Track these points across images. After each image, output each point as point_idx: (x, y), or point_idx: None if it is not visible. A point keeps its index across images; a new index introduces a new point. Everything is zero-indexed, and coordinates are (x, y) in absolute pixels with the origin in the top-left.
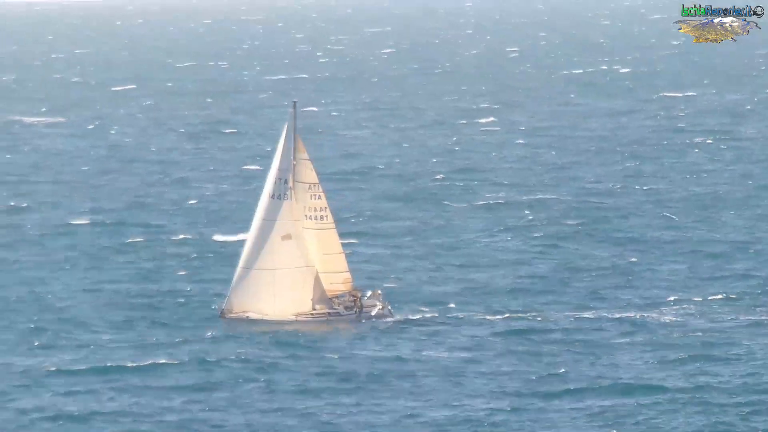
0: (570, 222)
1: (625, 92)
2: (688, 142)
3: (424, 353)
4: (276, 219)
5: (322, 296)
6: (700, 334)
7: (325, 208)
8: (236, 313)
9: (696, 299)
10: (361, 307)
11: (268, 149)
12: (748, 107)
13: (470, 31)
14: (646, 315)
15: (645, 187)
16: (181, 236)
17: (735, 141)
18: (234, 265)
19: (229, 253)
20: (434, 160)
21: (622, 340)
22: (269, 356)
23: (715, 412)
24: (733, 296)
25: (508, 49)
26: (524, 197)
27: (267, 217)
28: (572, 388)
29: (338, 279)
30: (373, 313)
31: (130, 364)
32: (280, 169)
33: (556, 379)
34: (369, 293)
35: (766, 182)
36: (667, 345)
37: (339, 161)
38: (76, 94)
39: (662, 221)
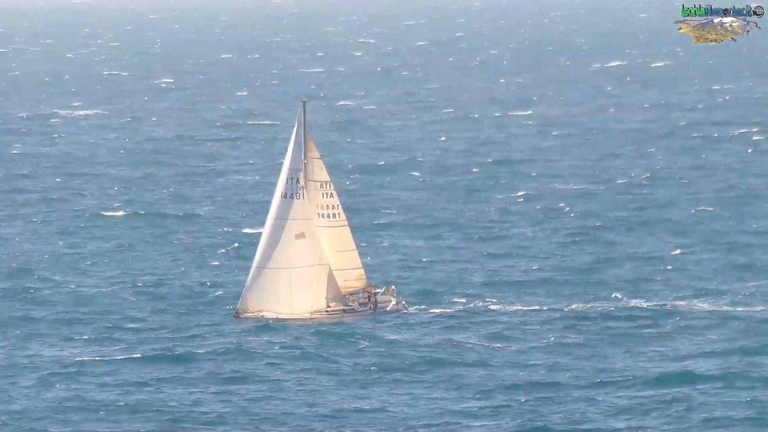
0: (605, 214)
1: (660, 85)
2: (724, 134)
3: (457, 344)
4: (288, 218)
5: (336, 294)
6: (736, 324)
7: (338, 205)
8: (251, 312)
9: (732, 291)
10: (376, 303)
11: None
12: None
13: (503, 23)
14: (681, 306)
15: (681, 180)
16: (216, 229)
17: None
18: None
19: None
20: (470, 153)
21: (657, 331)
22: (296, 349)
23: (752, 403)
24: None
25: (546, 43)
26: (559, 189)
27: (280, 216)
28: (606, 379)
29: (352, 276)
30: (388, 308)
31: (166, 353)
32: (291, 169)
33: (591, 370)
34: (383, 289)
35: None
36: (703, 336)
37: (374, 153)
38: (111, 86)
39: (698, 213)
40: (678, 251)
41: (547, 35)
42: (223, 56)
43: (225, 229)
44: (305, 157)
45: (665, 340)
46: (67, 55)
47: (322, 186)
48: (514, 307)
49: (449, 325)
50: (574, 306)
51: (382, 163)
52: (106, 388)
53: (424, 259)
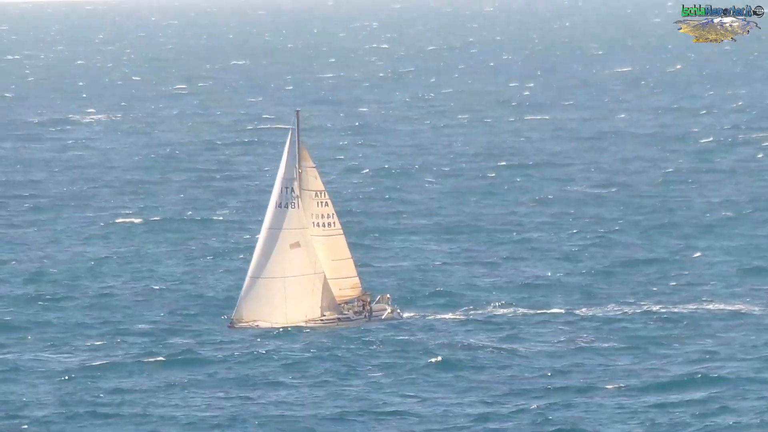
0: (618, 218)
1: (673, 89)
2: (737, 138)
3: (468, 347)
4: (283, 227)
5: (331, 302)
6: (752, 328)
7: (333, 214)
8: (246, 322)
9: (745, 294)
10: (371, 311)
11: (314, 149)
12: None
13: (512, 28)
14: (695, 310)
15: (694, 183)
16: (230, 234)
17: None
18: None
19: None
20: (483, 157)
21: (670, 334)
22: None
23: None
24: None
25: (558, 47)
26: (572, 192)
27: (274, 226)
28: (618, 383)
29: (347, 284)
30: (383, 317)
31: (178, 358)
32: (285, 178)
33: (603, 374)
34: (378, 298)
35: None
36: (718, 339)
37: (387, 158)
38: (124, 92)
39: (711, 217)
40: (691, 255)
41: (559, 40)
42: (235, 62)
43: (238, 234)
44: (299, 166)
45: (678, 343)
46: (78, 62)
47: (316, 195)
48: (527, 311)
49: (461, 328)
50: (585, 310)
51: (395, 167)
52: (117, 393)
53: (437, 263)
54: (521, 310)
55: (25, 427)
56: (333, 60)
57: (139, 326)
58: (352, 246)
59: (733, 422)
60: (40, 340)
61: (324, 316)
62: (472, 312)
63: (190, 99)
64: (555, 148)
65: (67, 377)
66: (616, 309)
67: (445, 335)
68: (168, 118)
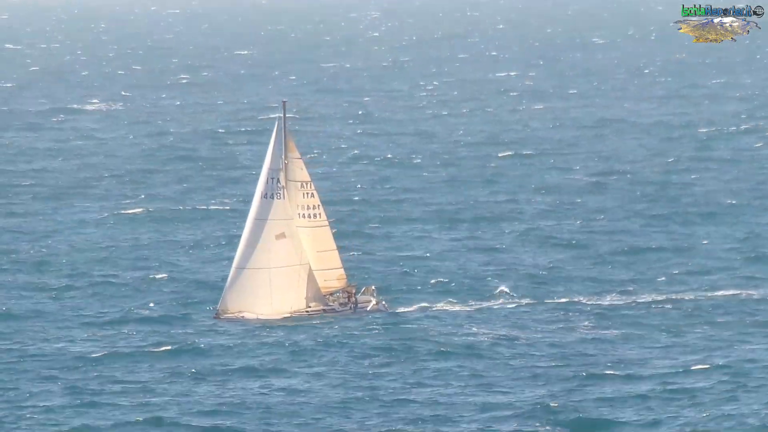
0: (620, 207)
1: (676, 78)
2: (739, 126)
3: (471, 336)
4: (269, 218)
5: (316, 293)
6: (755, 316)
7: (318, 205)
8: (231, 313)
9: (748, 283)
10: (356, 303)
11: (319, 138)
12: None
13: (515, 17)
14: (697, 298)
15: (696, 172)
16: (232, 224)
17: None
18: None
19: None
20: (484, 145)
21: (672, 323)
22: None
23: None
24: None
25: (559, 36)
26: (574, 181)
27: (260, 217)
28: (621, 372)
29: (332, 276)
30: (368, 308)
31: (179, 348)
32: (271, 169)
33: (605, 363)
34: (363, 289)
35: None
36: (720, 328)
37: (388, 147)
38: (127, 82)
39: (714, 206)
40: (693, 243)
41: (561, 29)
42: (238, 52)
43: (240, 222)
44: (285, 156)
45: (680, 331)
46: (79, 52)
47: (302, 186)
48: (528, 299)
49: (463, 316)
50: (587, 298)
51: (397, 156)
52: (119, 382)
53: (439, 251)
54: (523, 299)
55: (28, 416)
56: (335, 49)
57: (142, 315)
58: (352, 234)
59: (736, 409)
60: (41, 330)
61: (309, 307)
62: (473, 300)
63: (192, 88)
64: (556, 136)
65: (69, 366)
66: (617, 297)
67: (446, 324)
68: (169, 107)
